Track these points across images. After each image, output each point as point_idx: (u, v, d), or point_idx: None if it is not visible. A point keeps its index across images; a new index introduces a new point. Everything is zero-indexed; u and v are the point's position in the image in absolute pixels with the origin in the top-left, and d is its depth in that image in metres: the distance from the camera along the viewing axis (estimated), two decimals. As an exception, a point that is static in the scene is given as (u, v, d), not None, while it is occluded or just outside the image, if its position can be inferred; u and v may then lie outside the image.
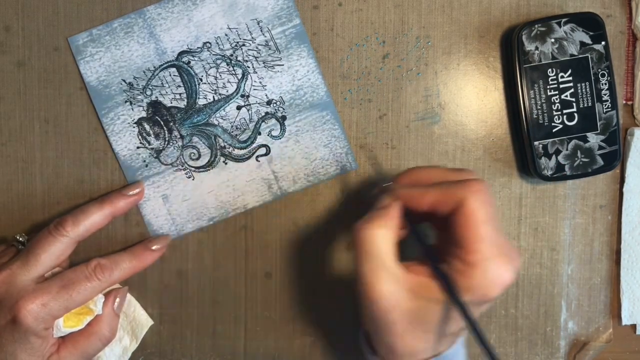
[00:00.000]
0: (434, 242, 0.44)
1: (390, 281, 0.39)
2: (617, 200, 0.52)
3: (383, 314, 0.39)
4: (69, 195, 0.51)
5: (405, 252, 0.42)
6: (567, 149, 0.49)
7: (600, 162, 0.49)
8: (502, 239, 0.39)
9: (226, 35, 0.50)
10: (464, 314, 0.37)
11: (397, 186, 0.42)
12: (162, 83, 0.50)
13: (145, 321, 0.51)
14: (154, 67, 0.50)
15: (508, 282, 0.38)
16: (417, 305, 0.39)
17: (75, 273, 0.46)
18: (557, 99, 0.49)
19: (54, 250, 0.45)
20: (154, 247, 0.49)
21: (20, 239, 0.48)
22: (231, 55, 0.50)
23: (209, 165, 0.51)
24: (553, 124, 0.49)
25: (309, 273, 0.52)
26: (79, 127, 0.51)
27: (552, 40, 0.48)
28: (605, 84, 0.49)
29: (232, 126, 0.50)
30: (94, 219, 0.47)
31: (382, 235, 0.39)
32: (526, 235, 0.52)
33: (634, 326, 0.53)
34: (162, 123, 0.50)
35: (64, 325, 0.46)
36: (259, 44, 0.50)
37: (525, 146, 0.49)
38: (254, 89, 0.50)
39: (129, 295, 0.51)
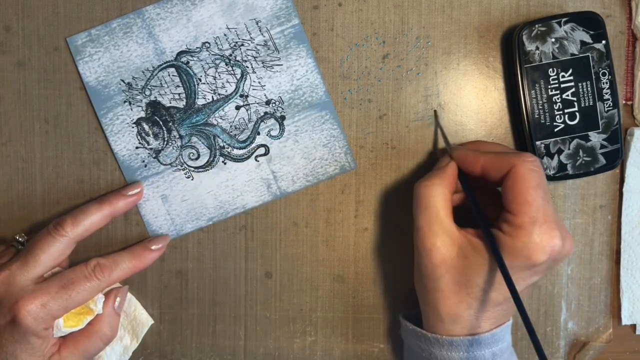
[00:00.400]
0: (486, 210, 0.47)
1: (443, 235, 0.42)
2: (617, 200, 0.52)
3: (433, 267, 0.42)
4: (69, 195, 0.51)
5: (459, 220, 0.44)
6: (569, 149, 0.49)
7: (602, 160, 0.49)
8: (551, 210, 0.40)
9: (225, 35, 0.50)
10: (502, 270, 0.39)
11: (455, 148, 0.45)
12: (161, 83, 0.50)
13: (145, 320, 0.52)
14: (153, 67, 0.50)
15: (554, 249, 0.40)
16: (464, 264, 0.41)
17: (74, 273, 0.46)
18: (558, 98, 0.48)
19: (53, 251, 0.45)
20: (153, 247, 0.49)
21: (20, 239, 0.48)
22: (230, 55, 0.50)
23: (208, 165, 0.51)
24: (555, 123, 0.49)
25: (308, 273, 0.52)
26: (79, 127, 0.51)
27: (553, 39, 0.48)
28: (606, 82, 0.48)
29: (231, 126, 0.50)
30: (93, 219, 0.47)
31: (439, 192, 0.43)
32: (526, 235, 0.52)
33: (634, 326, 0.53)
34: (161, 123, 0.50)
35: (64, 325, 0.46)
36: (257, 44, 0.50)
37: (527, 146, 0.49)
38: (253, 89, 0.50)
39: (129, 295, 0.51)
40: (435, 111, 0.51)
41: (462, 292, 0.42)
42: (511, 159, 0.41)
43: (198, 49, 0.50)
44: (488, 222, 0.42)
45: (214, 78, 0.50)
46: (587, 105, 0.48)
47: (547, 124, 0.49)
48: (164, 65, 0.50)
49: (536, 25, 0.48)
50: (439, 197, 0.43)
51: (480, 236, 0.42)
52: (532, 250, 0.39)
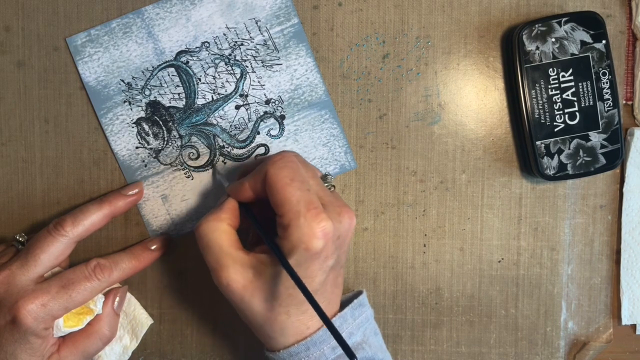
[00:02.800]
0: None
1: (233, 264, 0.42)
2: (617, 200, 0.52)
3: (239, 297, 0.42)
4: (69, 195, 0.51)
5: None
6: (569, 148, 0.49)
7: (602, 160, 0.49)
8: (313, 197, 0.41)
9: (224, 34, 0.50)
10: (288, 271, 0.39)
11: (230, 184, 0.46)
12: (160, 83, 0.50)
13: (145, 320, 0.52)
14: (153, 67, 0.50)
15: (325, 231, 0.40)
16: (263, 281, 0.42)
17: (74, 273, 0.46)
18: (558, 98, 0.48)
19: (53, 251, 0.45)
20: (153, 247, 0.49)
21: (20, 239, 0.48)
22: (229, 54, 0.50)
23: (208, 164, 0.51)
24: (555, 123, 0.48)
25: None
26: (79, 127, 0.51)
27: (553, 39, 0.48)
28: (607, 82, 0.48)
29: (230, 126, 0.50)
30: (93, 218, 0.47)
31: (216, 227, 0.43)
32: (526, 235, 0.52)
33: (634, 326, 0.53)
34: (160, 123, 0.50)
35: (64, 325, 0.46)
36: (257, 44, 0.50)
37: (527, 146, 0.49)
38: (253, 89, 0.50)
39: (129, 294, 0.51)
40: (213, 164, 0.51)
41: (274, 305, 0.42)
42: (263, 168, 0.42)
43: (197, 49, 0.50)
44: (269, 235, 0.42)
45: (214, 78, 0.50)
46: (587, 105, 0.48)
47: (547, 123, 0.49)
48: (163, 65, 0.50)
49: (536, 25, 0.48)
50: (217, 232, 0.43)
51: (267, 250, 0.43)
52: (306, 240, 0.40)
